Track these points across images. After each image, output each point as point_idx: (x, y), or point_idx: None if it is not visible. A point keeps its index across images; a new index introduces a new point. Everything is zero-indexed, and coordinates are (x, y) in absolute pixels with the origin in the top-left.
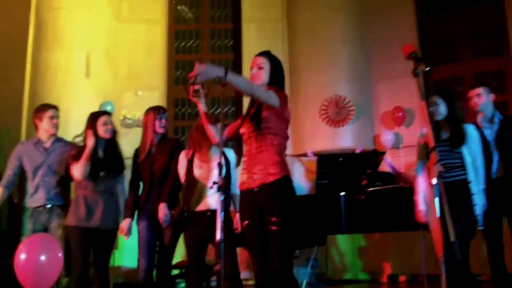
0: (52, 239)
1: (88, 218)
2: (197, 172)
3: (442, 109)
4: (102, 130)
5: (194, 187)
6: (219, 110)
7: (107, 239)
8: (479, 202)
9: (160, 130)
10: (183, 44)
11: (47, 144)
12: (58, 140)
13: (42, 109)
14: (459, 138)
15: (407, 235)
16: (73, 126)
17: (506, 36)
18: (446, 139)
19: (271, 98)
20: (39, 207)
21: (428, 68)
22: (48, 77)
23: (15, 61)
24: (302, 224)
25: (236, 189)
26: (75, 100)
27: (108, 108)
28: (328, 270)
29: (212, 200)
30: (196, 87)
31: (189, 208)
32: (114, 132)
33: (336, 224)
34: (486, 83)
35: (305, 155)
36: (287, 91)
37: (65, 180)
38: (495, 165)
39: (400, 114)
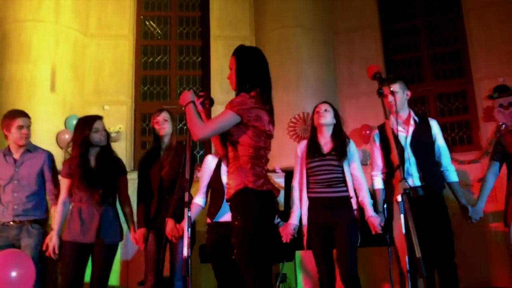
0: (24, 254)
1: (83, 233)
2: (225, 179)
3: (329, 116)
4: (94, 137)
5: (223, 195)
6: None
7: (104, 255)
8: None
9: (160, 132)
10: (151, 59)
11: (17, 156)
12: (29, 150)
13: (10, 117)
14: (342, 152)
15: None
16: (37, 140)
17: (467, 58)
18: (329, 152)
19: (202, 126)
20: (8, 222)
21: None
22: (12, 90)
23: None
24: (271, 239)
25: None
26: (40, 114)
27: (74, 122)
28: (297, 286)
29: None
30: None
31: (213, 218)
32: (108, 138)
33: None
34: (402, 77)
35: (273, 171)
36: None
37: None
38: (411, 173)
39: (368, 132)
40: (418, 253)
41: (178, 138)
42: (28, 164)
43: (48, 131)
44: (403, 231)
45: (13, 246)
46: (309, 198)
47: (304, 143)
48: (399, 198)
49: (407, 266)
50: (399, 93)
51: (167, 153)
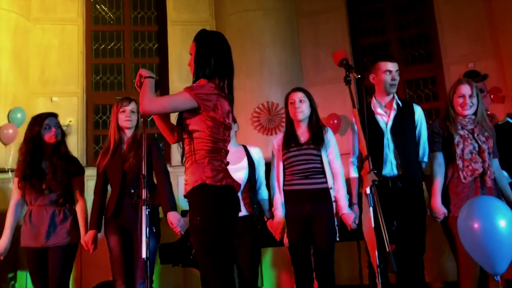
0: None
1: (34, 238)
2: None
3: (305, 108)
4: (45, 135)
5: None
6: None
7: (58, 257)
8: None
9: (125, 124)
10: (102, 46)
11: None
12: None
13: None
14: (319, 140)
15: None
16: None
17: (436, 42)
18: (306, 142)
19: (152, 101)
20: None
21: (360, 76)
22: None
23: None
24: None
25: (264, 194)
26: None
27: (19, 116)
28: (263, 283)
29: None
30: None
31: None
32: (62, 135)
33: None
34: (395, 58)
35: None
36: None
37: None
38: (390, 160)
39: (335, 121)
40: (387, 247)
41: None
42: None
43: None
44: (372, 224)
45: None
46: (286, 191)
47: (280, 135)
48: (367, 190)
49: (377, 261)
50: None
51: (130, 145)
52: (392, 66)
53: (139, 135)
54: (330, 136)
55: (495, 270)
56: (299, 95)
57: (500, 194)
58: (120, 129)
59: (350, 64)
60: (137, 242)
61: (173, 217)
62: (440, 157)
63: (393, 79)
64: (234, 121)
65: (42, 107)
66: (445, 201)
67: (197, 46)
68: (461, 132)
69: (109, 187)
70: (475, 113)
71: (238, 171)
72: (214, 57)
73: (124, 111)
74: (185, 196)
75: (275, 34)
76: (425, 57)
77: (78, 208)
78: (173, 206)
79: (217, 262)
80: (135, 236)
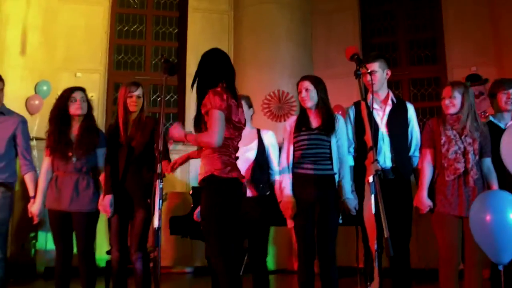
0: None
1: (58, 201)
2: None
3: (311, 96)
4: (72, 108)
5: None
6: (160, 98)
7: (81, 222)
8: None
9: (132, 108)
10: (126, 28)
11: None
12: (3, 113)
13: None
14: (330, 127)
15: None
16: (7, 104)
17: (442, 46)
18: (315, 127)
19: (210, 135)
20: None
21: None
22: None
23: None
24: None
25: (276, 175)
26: (9, 78)
27: (45, 88)
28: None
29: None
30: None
31: None
32: (89, 108)
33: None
34: (382, 55)
35: None
36: None
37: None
38: (383, 153)
39: (340, 112)
40: (386, 233)
41: (151, 109)
42: (0, 127)
43: (18, 96)
44: (373, 211)
45: None
46: (294, 173)
47: (294, 118)
48: (370, 179)
49: (375, 246)
50: (379, 72)
51: (136, 126)
52: (367, 67)
53: (144, 117)
54: (341, 124)
55: (501, 260)
56: (305, 84)
57: None
58: (127, 110)
59: (361, 59)
60: (134, 213)
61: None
62: (429, 154)
63: (367, 80)
64: (250, 105)
65: (66, 82)
66: (432, 196)
67: (200, 64)
68: (448, 133)
69: None
70: (462, 114)
71: (248, 151)
72: (217, 67)
73: (131, 97)
74: (199, 184)
75: (289, 29)
76: (431, 58)
77: (102, 177)
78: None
79: (220, 240)
80: (134, 207)
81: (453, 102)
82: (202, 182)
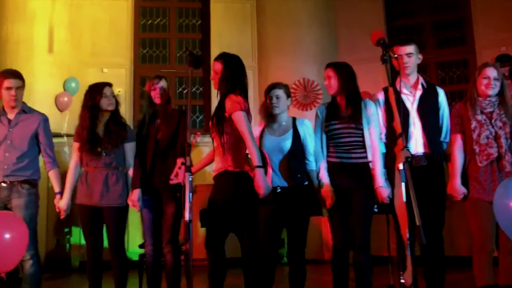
0: (16, 217)
1: (89, 197)
2: (267, 145)
3: (334, 83)
4: (103, 103)
5: (265, 162)
6: (186, 90)
7: (111, 217)
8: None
9: (157, 101)
10: (150, 21)
11: (11, 116)
12: (24, 111)
13: (0, 77)
14: (359, 116)
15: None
16: (37, 102)
17: (470, 26)
18: (349, 115)
19: (247, 138)
20: None
21: (396, 56)
22: (9, 51)
23: None
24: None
25: (312, 165)
26: (38, 76)
27: (73, 85)
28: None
29: (277, 176)
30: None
31: None
32: (116, 104)
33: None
34: (414, 40)
35: None
36: (255, 73)
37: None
38: (415, 139)
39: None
40: (418, 221)
41: (177, 102)
42: (22, 125)
43: (47, 93)
44: (404, 199)
45: (6, 208)
46: (329, 162)
47: (324, 105)
48: (400, 166)
49: (407, 234)
50: (415, 55)
51: (162, 118)
52: (402, 50)
53: (170, 109)
54: (373, 111)
55: None
56: (327, 72)
57: None
58: (152, 103)
59: (387, 43)
60: (164, 206)
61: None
62: (459, 140)
63: (404, 63)
64: (289, 95)
65: (93, 77)
66: (465, 183)
67: (224, 68)
68: (478, 117)
69: None
70: (497, 96)
71: (283, 141)
72: (237, 76)
73: (155, 89)
74: (213, 179)
75: (312, 15)
76: (458, 40)
77: (131, 171)
78: None
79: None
80: (163, 201)
81: (496, 84)
82: (218, 177)
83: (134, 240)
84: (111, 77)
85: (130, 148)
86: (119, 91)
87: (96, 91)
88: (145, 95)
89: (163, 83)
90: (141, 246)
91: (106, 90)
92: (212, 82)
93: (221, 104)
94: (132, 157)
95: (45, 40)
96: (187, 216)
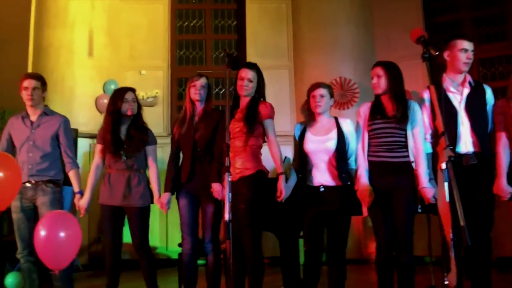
0: (71, 216)
1: (111, 197)
2: (310, 146)
3: (381, 83)
4: (124, 108)
5: (306, 161)
6: (223, 90)
7: (135, 216)
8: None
9: (195, 97)
10: (186, 23)
11: (34, 118)
12: (46, 113)
13: (22, 78)
14: (404, 116)
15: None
16: (78, 104)
17: (511, 21)
18: (391, 115)
19: (275, 144)
20: (24, 183)
21: (437, 53)
22: (51, 56)
23: (18, 40)
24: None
25: (353, 164)
26: (79, 79)
27: (112, 87)
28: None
29: (321, 175)
30: None
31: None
32: (138, 109)
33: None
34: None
35: None
36: (291, 73)
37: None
38: (464, 138)
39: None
40: (462, 222)
41: (214, 103)
42: (44, 127)
43: (87, 95)
44: (447, 199)
45: (34, 206)
46: (370, 162)
47: (367, 104)
48: (443, 165)
49: (451, 235)
50: (472, 52)
51: (201, 117)
52: (468, 45)
53: (210, 108)
54: (417, 112)
55: None
56: (376, 71)
57: None
58: (192, 102)
59: (428, 41)
60: (204, 206)
61: (217, 187)
62: (504, 138)
63: (468, 58)
64: (332, 95)
65: (131, 80)
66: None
67: (259, 78)
68: None
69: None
70: None
71: (328, 141)
72: (263, 87)
73: (194, 86)
74: (236, 181)
75: (348, 12)
76: (500, 35)
77: (151, 173)
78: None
79: (253, 223)
80: (203, 201)
81: None
82: (253, 176)
83: (174, 239)
84: (149, 79)
85: (151, 151)
86: (156, 93)
87: (118, 96)
88: (185, 93)
89: (202, 80)
90: (180, 245)
91: (128, 96)
92: (240, 86)
93: (253, 108)
94: (153, 160)
95: (85, 45)
96: (226, 216)
